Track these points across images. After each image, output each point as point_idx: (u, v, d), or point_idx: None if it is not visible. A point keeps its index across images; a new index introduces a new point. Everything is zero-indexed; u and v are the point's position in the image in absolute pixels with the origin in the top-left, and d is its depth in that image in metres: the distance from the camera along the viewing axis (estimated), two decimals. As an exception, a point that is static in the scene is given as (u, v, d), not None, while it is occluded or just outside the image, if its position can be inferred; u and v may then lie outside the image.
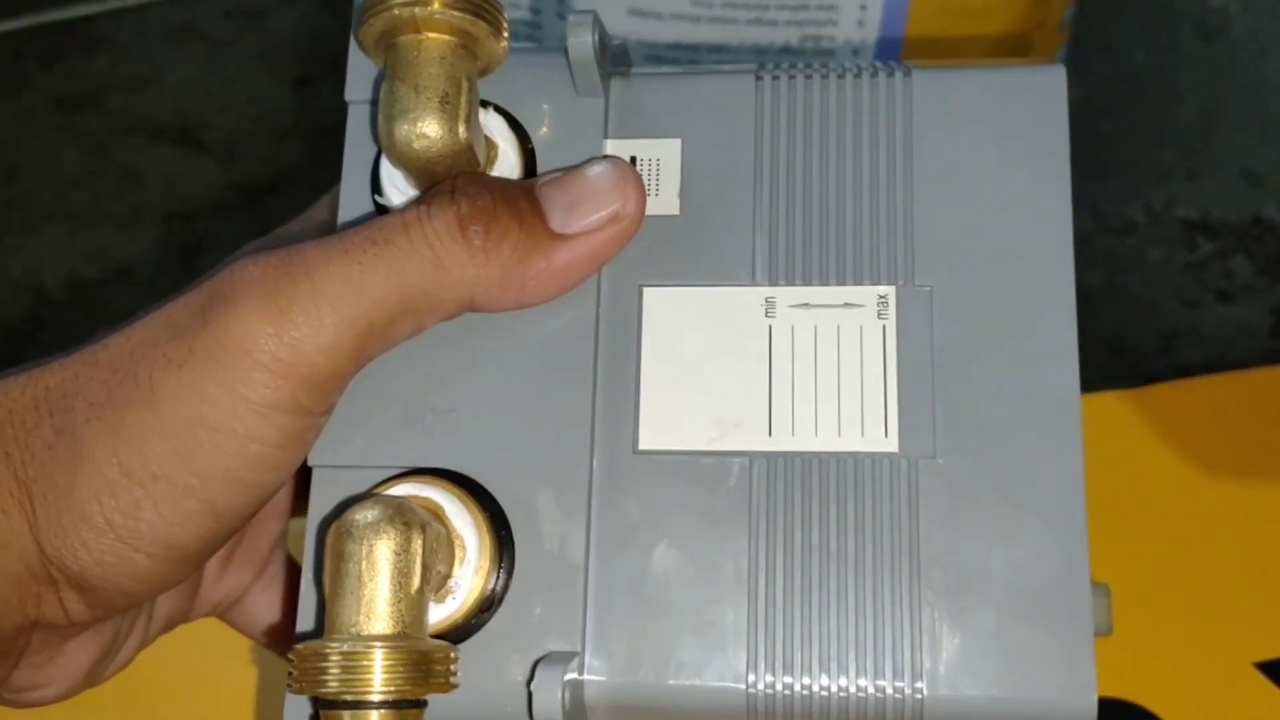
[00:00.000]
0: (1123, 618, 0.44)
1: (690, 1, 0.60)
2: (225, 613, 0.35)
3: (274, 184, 1.13)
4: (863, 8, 0.62)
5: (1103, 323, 1.08)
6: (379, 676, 0.24)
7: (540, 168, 0.30)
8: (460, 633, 0.28)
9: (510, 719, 0.27)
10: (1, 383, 0.27)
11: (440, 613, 0.27)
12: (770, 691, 0.27)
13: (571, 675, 0.27)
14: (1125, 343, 1.08)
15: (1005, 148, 0.29)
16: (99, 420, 0.26)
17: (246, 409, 0.26)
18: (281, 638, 0.34)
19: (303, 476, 0.30)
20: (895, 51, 0.64)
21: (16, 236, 1.16)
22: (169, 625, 0.32)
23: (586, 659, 0.27)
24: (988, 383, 0.28)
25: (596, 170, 0.29)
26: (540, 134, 0.30)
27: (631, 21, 0.60)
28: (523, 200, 0.28)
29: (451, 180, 0.28)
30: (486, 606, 0.28)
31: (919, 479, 0.28)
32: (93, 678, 0.30)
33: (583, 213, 0.29)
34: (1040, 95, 0.30)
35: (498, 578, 0.28)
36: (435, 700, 0.27)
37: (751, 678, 0.27)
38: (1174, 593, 0.44)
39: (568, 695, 0.26)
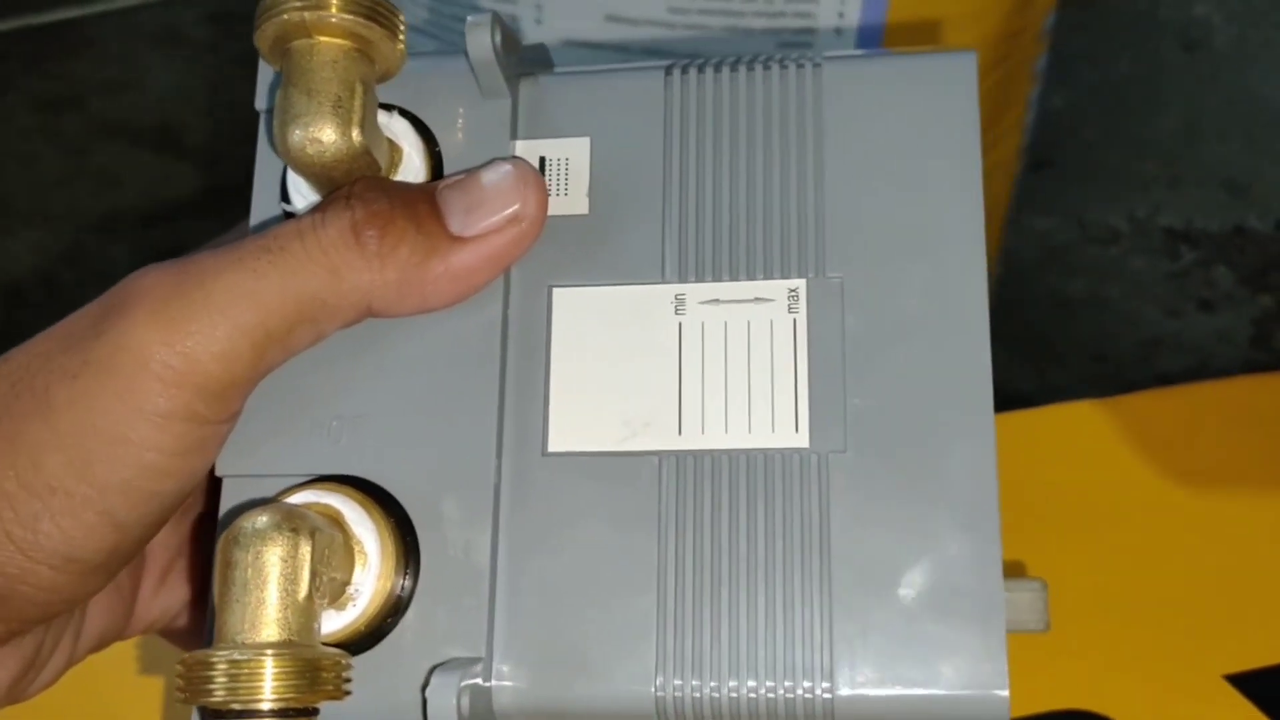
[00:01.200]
0: (1093, 628, 0.44)
1: (666, 8, 0.60)
2: (164, 630, 0.34)
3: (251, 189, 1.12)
4: (838, 31, 0.61)
5: (1085, 331, 1.08)
6: (267, 685, 0.24)
7: (448, 170, 0.30)
8: (365, 641, 0.27)
9: None
10: None
11: (341, 620, 0.27)
12: (679, 694, 0.26)
13: (473, 681, 0.26)
14: (1107, 351, 1.08)
15: (916, 136, 0.29)
16: None
17: (141, 419, 0.26)
18: None
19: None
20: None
21: (-6, 239, 1.15)
22: (101, 642, 0.32)
23: (495, 665, 0.27)
24: (899, 375, 0.28)
25: (496, 172, 0.29)
26: (448, 137, 0.30)
27: (608, 27, 0.59)
28: (421, 204, 0.28)
29: (349, 186, 0.28)
30: (391, 614, 0.27)
31: (829, 474, 0.27)
32: (15, 694, 0.30)
33: (481, 215, 0.28)
34: (951, 82, 0.29)
35: (402, 585, 0.27)
36: (337, 714, 0.26)
37: (660, 680, 0.26)
38: (1145, 603, 0.44)
39: (466, 701, 0.26)
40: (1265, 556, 0.44)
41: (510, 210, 0.28)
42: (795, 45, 0.62)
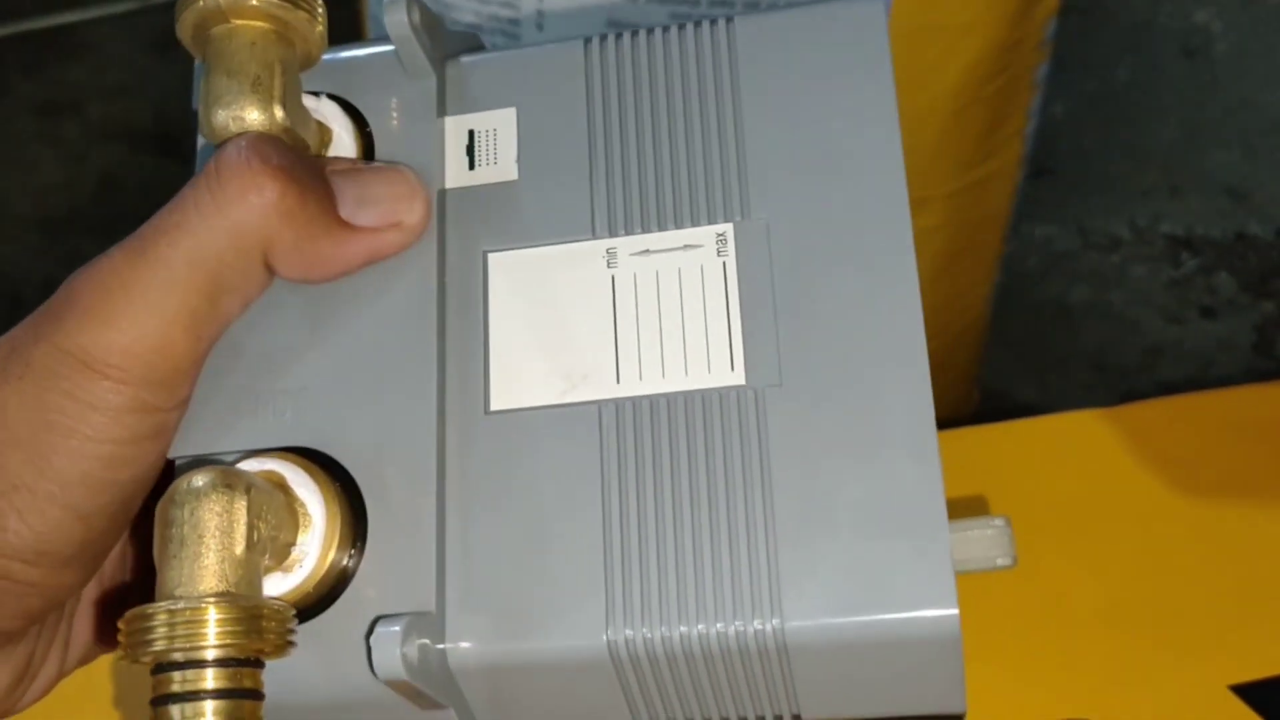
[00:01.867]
0: (1098, 638, 0.44)
1: (668, 14, 0.60)
2: None
3: (254, 194, 1.12)
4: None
5: (1087, 338, 1.08)
6: (210, 631, 0.24)
7: (378, 152, 0.31)
8: (316, 606, 0.27)
9: (370, 686, 0.27)
10: None
11: (289, 583, 0.27)
12: (631, 640, 0.26)
13: (423, 640, 0.26)
14: (1109, 358, 1.08)
15: (829, 80, 0.30)
16: None
17: (93, 413, 0.27)
18: None
19: None
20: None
21: (-7, 244, 1.15)
22: (88, 655, 0.32)
23: (450, 625, 0.27)
24: (830, 309, 0.28)
25: (390, 175, 0.29)
26: (378, 119, 0.31)
27: (610, 31, 0.59)
28: (315, 177, 0.29)
29: (239, 138, 0.28)
30: (340, 579, 0.28)
31: (767, 409, 0.27)
32: (7, 706, 0.30)
33: (369, 212, 0.29)
34: (859, 26, 0.30)
35: (350, 549, 0.28)
36: (293, 678, 0.26)
37: (610, 630, 0.27)
38: (1151, 613, 0.44)
39: (413, 651, 0.26)
40: (1271, 567, 0.44)
41: (396, 216, 0.29)
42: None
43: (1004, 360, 1.05)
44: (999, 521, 0.28)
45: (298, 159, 0.28)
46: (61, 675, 0.31)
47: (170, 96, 1.23)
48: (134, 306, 0.27)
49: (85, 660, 0.32)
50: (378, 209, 0.29)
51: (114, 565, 0.32)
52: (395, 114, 0.31)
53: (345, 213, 0.29)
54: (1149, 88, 1.17)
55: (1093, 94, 1.16)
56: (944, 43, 0.63)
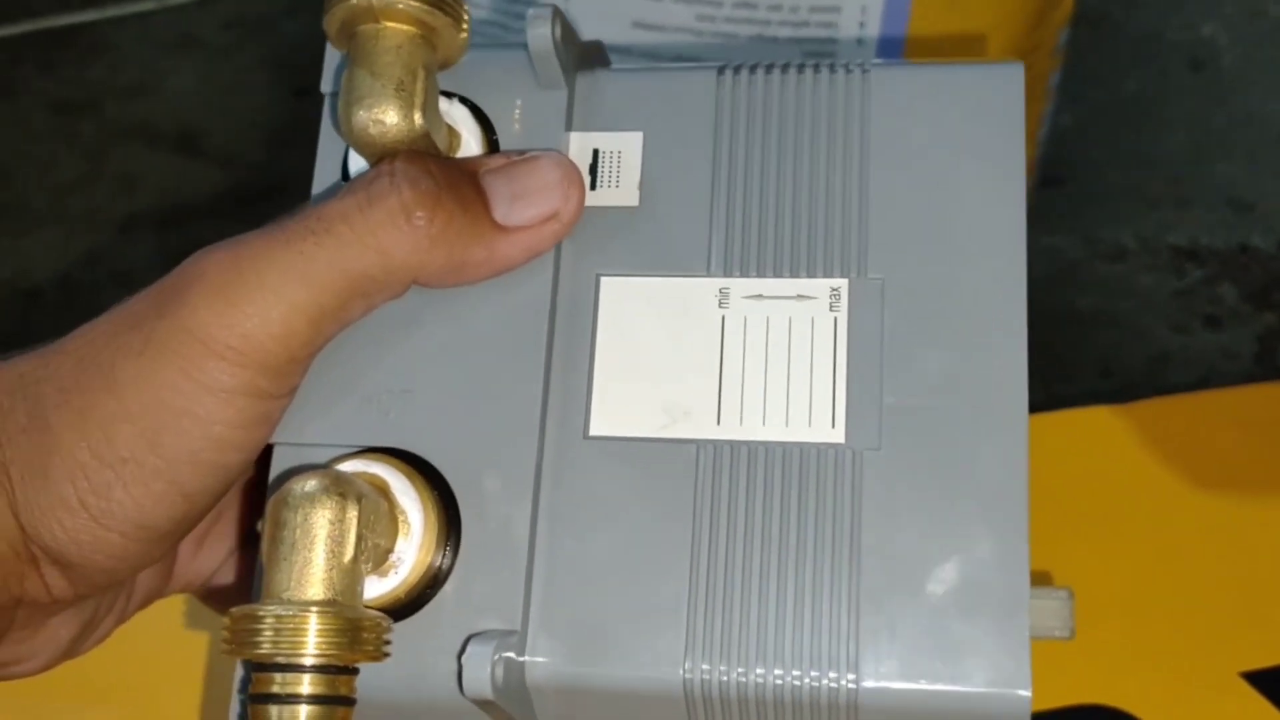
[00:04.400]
0: (1112, 627, 0.45)
1: (694, 15, 0.61)
2: (199, 590, 0.35)
3: (270, 191, 1.13)
4: (860, 41, 0.62)
5: (1093, 346, 1.09)
6: (310, 640, 0.25)
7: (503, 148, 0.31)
8: (404, 609, 0.28)
9: (450, 695, 0.27)
10: None
11: (383, 587, 0.28)
12: (706, 678, 0.27)
13: (508, 654, 0.27)
14: (1115, 366, 1.09)
15: (961, 144, 0.29)
16: (66, 405, 0.27)
17: (207, 394, 0.27)
18: None
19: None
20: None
21: (11, 239, 1.16)
22: (146, 601, 0.33)
23: (530, 641, 0.28)
24: (935, 377, 0.28)
25: (543, 165, 0.29)
26: (506, 126, 0.31)
27: (635, 33, 0.60)
28: (466, 185, 0.29)
29: (390, 163, 0.28)
30: (431, 584, 0.28)
31: (863, 470, 0.28)
32: (71, 651, 0.31)
33: (524, 207, 0.29)
34: (997, 92, 0.30)
35: (443, 556, 0.28)
36: (377, 678, 0.27)
37: (688, 664, 0.27)
38: (1162, 603, 0.45)
39: (500, 672, 0.26)
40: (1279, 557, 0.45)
41: (553, 206, 0.29)
42: (818, 55, 0.63)
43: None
44: (1063, 594, 0.28)
45: (447, 175, 0.28)
46: (120, 622, 0.32)
47: (188, 96, 1.24)
48: (264, 291, 0.27)
49: (142, 606, 0.33)
50: (532, 206, 0.29)
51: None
52: (524, 123, 0.31)
53: (499, 214, 0.29)
54: (1156, 99, 1.18)
55: (1101, 105, 1.17)
56: (961, 49, 0.64)
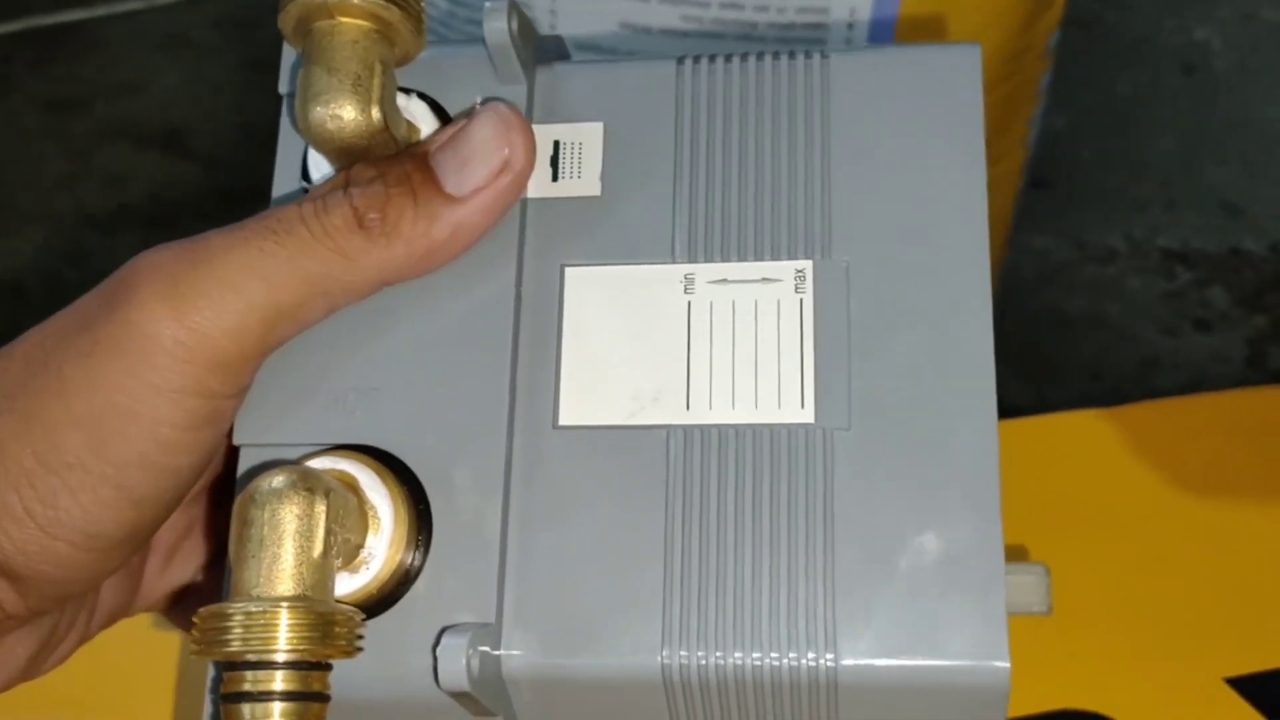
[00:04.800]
0: (1096, 631, 0.44)
1: (680, 16, 0.60)
2: (166, 608, 0.34)
3: (256, 191, 1.13)
4: (848, 42, 0.62)
5: (1083, 349, 1.09)
6: (282, 635, 0.24)
7: None
8: (377, 606, 0.28)
9: (425, 690, 0.27)
10: None
11: (354, 583, 0.27)
12: (685, 664, 0.27)
13: (484, 647, 0.27)
14: (1104, 368, 1.09)
15: (921, 125, 0.29)
16: (11, 412, 0.27)
17: (154, 394, 0.26)
18: None
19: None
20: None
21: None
22: (111, 619, 0.32)
23: (505, 634, 0.27)
24: (903, 355, 0.28)
25: (480, 122, 0.29)
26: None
27: (623, 34, 0.60)
28: (415, 173, 0.28)
29: (345, 171, 0.28)
30: (403, 580, 0.28)
31: (834, 450, 0.28)
32: (30, 672, 0.30)
33: (474, 170, 0.29)
34: (955, 73, 0.30)
35: (414, 551, 0.28)
36: (350, 676, 0.27)
37: (666, 651, 0.27)
38: (1147, 607, 0.44)
39: (476, 663, 0.26)
40: (1266, 562, 0.45)
41: (500, 158, 0.29)
42: (804, 43, 0.63)
43: (1001, 369, 1.05)
44: (1039, 569, 0.28)
45: (395, 170, 0.28)
46: (84, 640, 0.32)
47: (176, 95, 1.24)
48: (220, 286, 0.26)
49: (107, 625, 0.32)
50: (481, 165, 0.28)
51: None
52: (474, 99, 0.31)
53: (451, 186, 0.28)
54: (1148, 102, 1.18)
55: (1092, 107, 1.17)
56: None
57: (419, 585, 0.28)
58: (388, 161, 0.29)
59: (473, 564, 0.28)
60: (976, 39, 0.65)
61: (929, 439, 0.27)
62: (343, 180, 0.28)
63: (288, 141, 0.32)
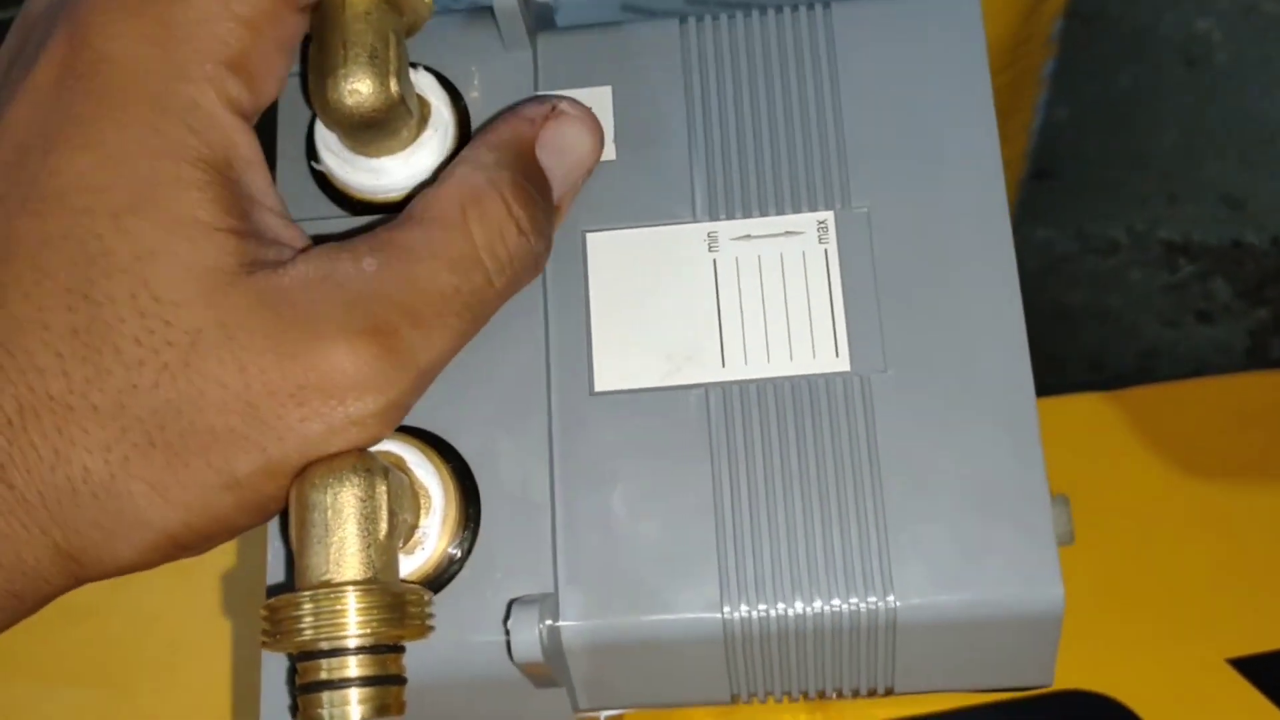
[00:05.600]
0: (1100, 611, 0.44)
1: (685, 0, 0.60)
2: None
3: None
4: None
5: (1085, 340, 1.09)
6: (353, 619, 0.24)
7: (474, 123, 0.31)
8: (432, 585, 0.28)
9: (490, 665, 0.27)
10: None
11: (410, 565, 0.27)
12: (745, 617, 0.27)
13: (548, 618, 0.27)
14: (1106, 360, 1.09)
15: (927, 68, 0.30)
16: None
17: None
18: None
19: None
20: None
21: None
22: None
23: (562, 601, 0.27)
24: (931, 296, 0.29)
25: (579, 131, 0.29)
26: (472, 92, 0.31)
27: (625, 17, 0.60)
28: (541, 191, 0.28)
29: (515, 217, 0.27)
30: (456, 557, 0.28)
31: (873, 394, 0.28)
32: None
33: (573, 181, 0.29)
34: (956, 14, 0.30)
35: (465, 528, 0.28)
36: (413, 656, 0.26)
37: (726, 606, 0.27)
38: (1151, 588, 0.44)
39: (545, 633, 0.26)
40: (1269, 544, 0.45)
41: (586, 172, 0.29)
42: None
43: (1002, 360, 1.05)
44: (1058, 499, 0.28)
45: (540, 183, 0.28)
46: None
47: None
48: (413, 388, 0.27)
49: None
50: (576, 174, 0.29)
51: None
52: (490, 86, 0.31)
53: (557, 196, 0.28)
54: (1150, 95, 1.18)
55: (1094, 99, 1.17)
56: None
57: (474, 560, 0.28)
58: (526, 168, 0.28)
59: (525, 535, 0.28)
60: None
61: (964, 374, 0.28)
62: (504, 215, 0.27)
63: (288, 122, 0.31)
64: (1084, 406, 0.50)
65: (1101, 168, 1.17)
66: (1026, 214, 0.86)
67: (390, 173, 0.29)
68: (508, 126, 0.29)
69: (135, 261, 0.24)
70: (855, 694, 0.29)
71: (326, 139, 0.30)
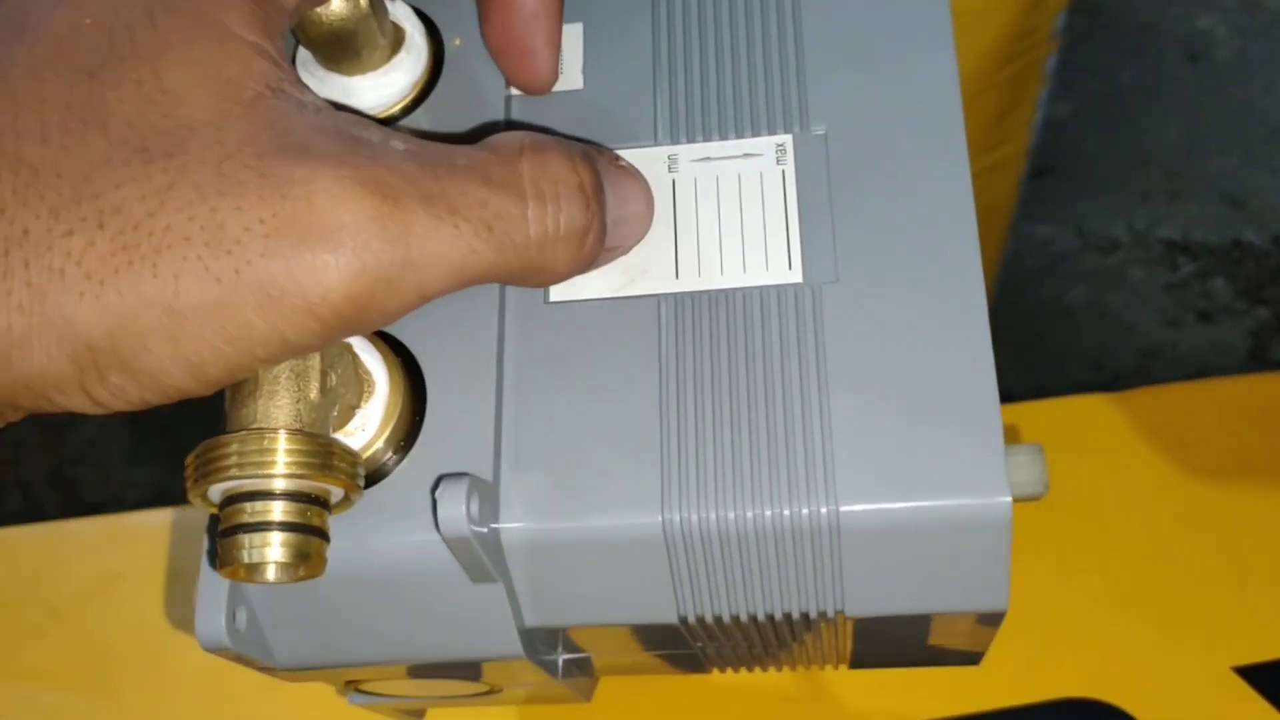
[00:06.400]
0: (1103, 617, 0.44)
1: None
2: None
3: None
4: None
5: (1084, 339, 1.09)
6: (280, 459, 0.24)
7: (448, 60, 0.31)
8: (373, 476, 0.27)
9: (426, 551, 0.27)
10: None
11: (351, 445, 0.27)
12: (686, 519, 0.27)
13: (482, 501, 0.27)
14: (1105, 359, 1.08)
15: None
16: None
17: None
18: None
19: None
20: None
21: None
22: None
23: (502, 498, 0.27)
24: (885, 212, 0.29)
25: (641, 191, 0.29)
26: (449, 27, 0.32)
27: None
28: (603, 206, 0.28)
29: (578, 175, 0.26)
30: (398, 446, 0.28)
31: (823, 303, 0.28)
32: None
33: (618, 235, 0.29)
34: None
35: (410, 420, 0.28)
36: (346, 550, 0.26)
37: (666, 508, 0.27)
38: (1155, 594, 0.44)
39: (476, 508, 0.26)
40: (1274, 550, 0.44)
41: (633, 241, 0.29)
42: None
43: (1001, 358, 1.04)
44: (1032, 447, 0.28)
45: (600, 190, 0.27)
46: None
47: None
48: (410, 298, 0.25)
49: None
50: (623, 237, 0.28)
51: None
52: (465, 21, 0.31)
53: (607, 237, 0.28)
54: (1152, 91, 1.17)
55: (1096, 96, 1.16)
56: (959, 27, 0.63)
57: (415, 454, 0.28)
58: (594, 177, 0.27)
59: (468, 432, 0.28)
60: (984, 16, 0.64)
61: (916, 284, 0.28)
62: (586, 186, 0.27)
63: None
64: (1085, 407, 0.49)
65: (1103, 165, 1.16)
66: (1027, 211, 0.85)
67: (361, 93, 0.30)
68: (579, 142, 0.29)
69: (154, 53, 0.24)
70: (806, 618, 0.28)
71: (305, 59, 0.30)
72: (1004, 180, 0.74)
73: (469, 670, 0.30)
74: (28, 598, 0.47)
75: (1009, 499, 0.26)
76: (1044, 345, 1.07)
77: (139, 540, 0.47)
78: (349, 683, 0.32)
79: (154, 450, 1.18)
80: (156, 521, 0.47)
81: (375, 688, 0.32)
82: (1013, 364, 1.02)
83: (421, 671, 0.30)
